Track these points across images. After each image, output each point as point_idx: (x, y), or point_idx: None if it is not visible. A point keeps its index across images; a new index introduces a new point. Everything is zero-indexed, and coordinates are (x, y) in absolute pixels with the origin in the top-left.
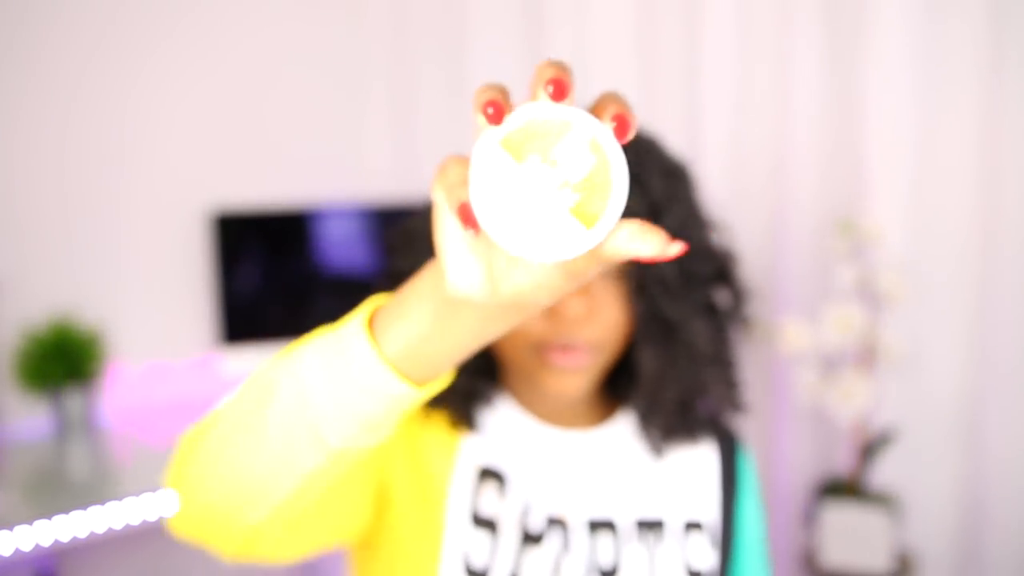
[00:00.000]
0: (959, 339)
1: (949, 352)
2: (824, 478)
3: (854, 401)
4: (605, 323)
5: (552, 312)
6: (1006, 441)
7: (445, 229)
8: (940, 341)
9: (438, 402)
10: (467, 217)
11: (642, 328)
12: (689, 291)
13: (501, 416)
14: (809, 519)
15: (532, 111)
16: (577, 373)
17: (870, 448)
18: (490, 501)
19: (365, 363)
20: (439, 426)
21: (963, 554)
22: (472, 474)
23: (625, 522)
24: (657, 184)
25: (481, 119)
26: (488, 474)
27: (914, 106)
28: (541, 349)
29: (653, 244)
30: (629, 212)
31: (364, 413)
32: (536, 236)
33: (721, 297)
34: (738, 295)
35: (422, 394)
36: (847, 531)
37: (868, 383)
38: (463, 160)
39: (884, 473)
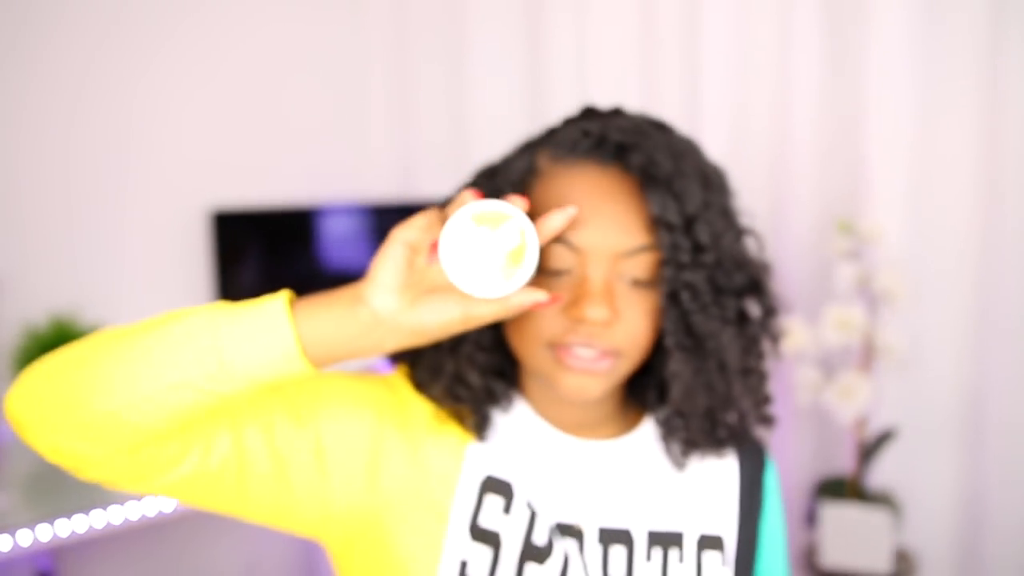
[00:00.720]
0: (959, 339)
1: (949, 352)
2: (824, 478)
3: (854, 401)
4: (627, 330)
5: (573, 315)
6: (1006, 441)
7: (386, 259)
8: (940, 341)
9: (453, 401)
10: (433, 249)
11: (672, 338)
12: (720, 302)
13: (517, 422)
14: (809, 519)
15: (493, 203)
16: (594, 375)
17: (870, 448)
18: (494, 514)
19: (277, 321)
20: (447, 434)
21: (963, 554)
22: (478, 485)
23: (639, 535)
24: (694, 193)
25: (464, 196)
26: (494, 486)
27: (914, 106)
28: (557, 348)
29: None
30: (667, 222)
31: (258, 355)
32: (473, 277)
33: (753, 308)
34: (768, 308)
35: (304, 368)
36: (847, 531)
37: (868, 383)
38: (428, 216)
39: (884, 473)
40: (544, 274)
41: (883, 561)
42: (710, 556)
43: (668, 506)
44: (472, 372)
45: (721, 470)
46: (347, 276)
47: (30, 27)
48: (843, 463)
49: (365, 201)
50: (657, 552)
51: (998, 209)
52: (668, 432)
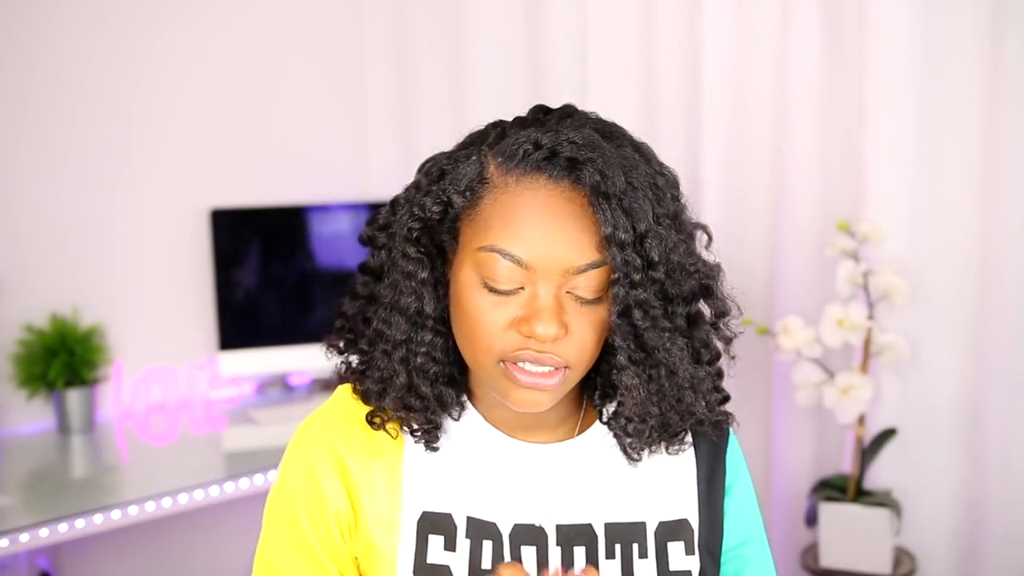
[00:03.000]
0: (958, 339)
1: (949, 352)
2: (824, 478)
3: (854, 401)
4: (576, 344)
5: (524, 331)
6: (1006, 441)
7: None
8: (940, 341)
9: (405, 411)
10: None
11: (624, 354)
12: (669, 312)
13: (467, 429)
14: (809, 519)
15: None
16: (543, 391)
17: (870, 448)
18: (439, 551)
19: None
20: (382, 479)
21: (963, 554)
22: (416, 524)
23: (599, 528)
24: (645, 207)
25: None
26: (434, 521)
27: (914, 106)
28: (507, 363)
29: None
30: (619, 241)
31: None
32: None
33: (706, 310)
34: (719, 311)
35: None
36: (847, 531)
37: (868, 383)
38: None
39: (884, 473)
40: (496, 293)
41: (883, 561)
42: (673, 547)
43: (626, 497)
44: (424, 383)
45: (679, 462)
46: (345, 274)
47: (26, 27)
48: (843, 463)
49: (364, 199)
50: (618, 548)
51: (998, 209)
52: (618, 434)
